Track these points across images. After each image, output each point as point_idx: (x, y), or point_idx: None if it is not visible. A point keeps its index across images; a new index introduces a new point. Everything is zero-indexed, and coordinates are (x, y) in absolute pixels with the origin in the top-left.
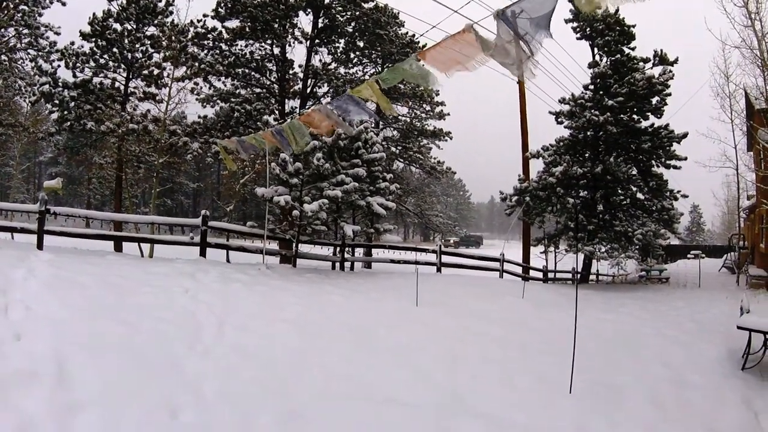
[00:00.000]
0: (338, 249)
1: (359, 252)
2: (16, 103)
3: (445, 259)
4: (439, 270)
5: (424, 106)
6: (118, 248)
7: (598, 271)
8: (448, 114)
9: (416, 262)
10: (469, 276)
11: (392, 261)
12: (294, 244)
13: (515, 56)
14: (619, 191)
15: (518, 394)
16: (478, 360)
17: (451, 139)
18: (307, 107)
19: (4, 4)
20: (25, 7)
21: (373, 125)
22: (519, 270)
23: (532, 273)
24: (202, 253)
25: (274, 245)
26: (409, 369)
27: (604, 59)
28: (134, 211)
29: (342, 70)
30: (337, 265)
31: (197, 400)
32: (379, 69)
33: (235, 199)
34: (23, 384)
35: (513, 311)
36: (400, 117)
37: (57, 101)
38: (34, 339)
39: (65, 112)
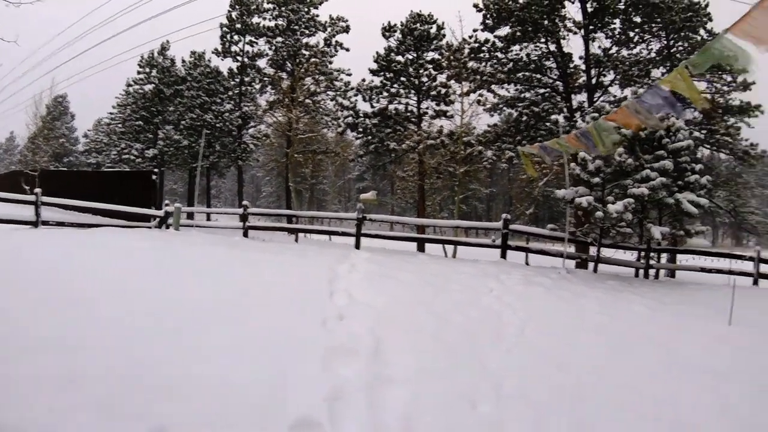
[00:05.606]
0: (641, 254)
1: (663, 258)
2: (324, 135)
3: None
4: (755, 282)
5: (725, 77)
6: (420, 249)
7: None
8: (753, 83)
9: (730, 272)
10: None
11: (702, 269)
12: (596, 248)
13: None
14: None
15: None
16: None
17: (762, 113)
18: (595, 99)
19: (297, 60)
20: (316, 60)
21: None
22: None
23: None
24: (503, 255)
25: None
26: (710, 394)
27: None
28: (434, 217)
29: (624, 52)
30: (640, 272)
31: (496, 395)
32: (664, 42)
33: (526, 202)
34: (344, 355)
35: None
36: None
37: (361, 129)
38: (355, 321)
39: (369, 137)
